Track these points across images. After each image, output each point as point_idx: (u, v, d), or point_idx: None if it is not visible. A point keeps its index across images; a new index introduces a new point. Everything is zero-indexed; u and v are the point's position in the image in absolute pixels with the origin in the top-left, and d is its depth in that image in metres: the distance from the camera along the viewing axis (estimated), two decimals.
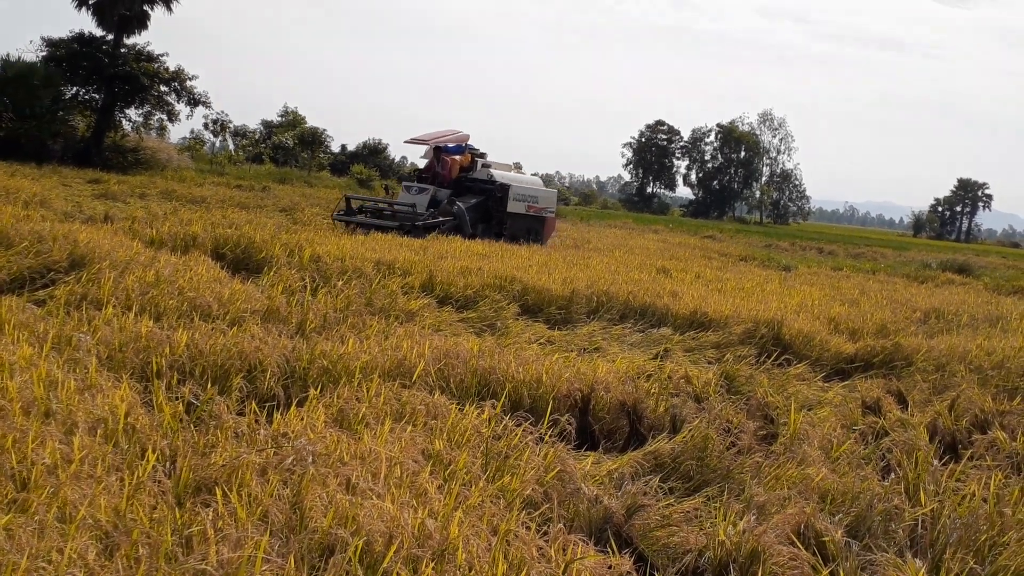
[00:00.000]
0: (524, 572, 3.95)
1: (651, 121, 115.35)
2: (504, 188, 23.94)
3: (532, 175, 28.70)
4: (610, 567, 4.28)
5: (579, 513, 5.08)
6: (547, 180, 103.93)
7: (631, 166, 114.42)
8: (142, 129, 43.06)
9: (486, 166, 24.83)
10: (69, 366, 5.97)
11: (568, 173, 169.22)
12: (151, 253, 12.06)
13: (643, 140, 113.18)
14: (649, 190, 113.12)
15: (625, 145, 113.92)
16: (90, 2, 39.21)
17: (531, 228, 24.70)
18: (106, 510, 3.89)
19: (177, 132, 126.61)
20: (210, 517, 3.87)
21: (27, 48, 48.64)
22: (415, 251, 16.43)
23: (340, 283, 11.81)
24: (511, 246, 21.67)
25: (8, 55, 37.55)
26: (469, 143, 25.88)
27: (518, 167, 26.94)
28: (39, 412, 4.90)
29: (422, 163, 26.73)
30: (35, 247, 11.16)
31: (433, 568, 3.82)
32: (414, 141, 25.91)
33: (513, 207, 24.05)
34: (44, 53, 39.65)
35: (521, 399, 7.36)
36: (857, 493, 5.81)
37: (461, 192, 23.71)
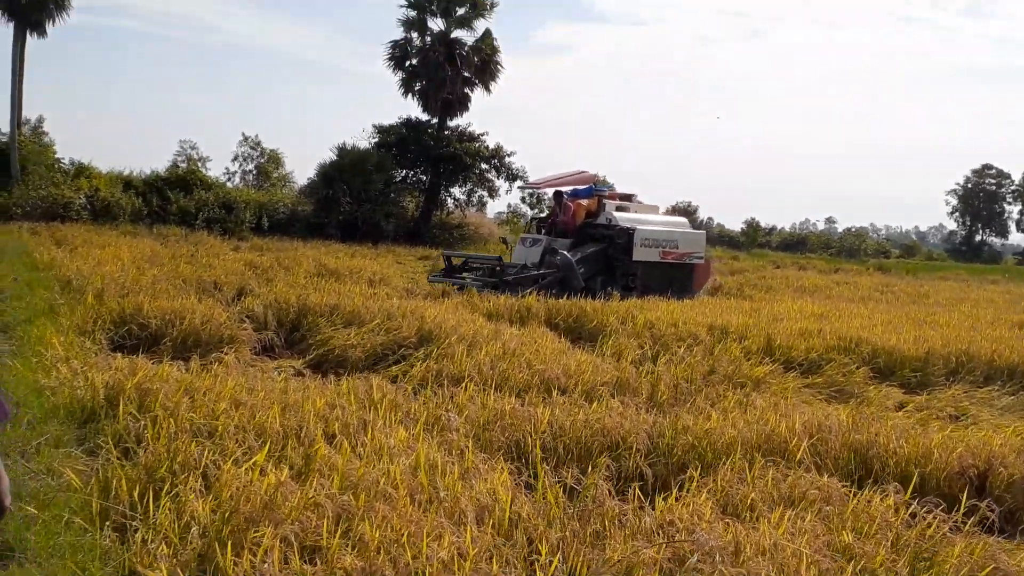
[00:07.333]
0: None
1: (976, 166, 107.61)
2: (626, 233, 20.01)
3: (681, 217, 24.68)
4: None
5: None
6: (859, 233, 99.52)
7: (956, 214, 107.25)
8: (464, 205, 44.88)
9: (622, 209, 21.17)
10: (444, 448, 5.87)
11: (884, 224, 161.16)
12: (493, 326, 12.19)
13: (968, 186, 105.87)
14: (977, 238, 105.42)
15: (949, 192, 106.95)
16: (416, 89, 41.78)
17: (673, 278, 20.58)
18: None
19: (492, 206, 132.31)
20: None
21: (360, 135, 52.27)
22: (746, 314, 15.85)
23: (681, 350, 11.41)
24: (850, 305, 20.47)
25: (344, 143, 40.57)
26: (599, 184, 22.65)
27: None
28: (424, 499, 4.76)
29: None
30: (385, 324, 11.56)
31: None
32: (528, 186, 22.83)
33: (641, 254, 20.05)
34: (376, 139, 42.57)
35: (908, 477, 6.56)
36: None
37: (583, 241, 20.24)
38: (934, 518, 5.25)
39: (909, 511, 5.36)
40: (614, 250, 20.00)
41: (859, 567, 4.45)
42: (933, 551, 4.83)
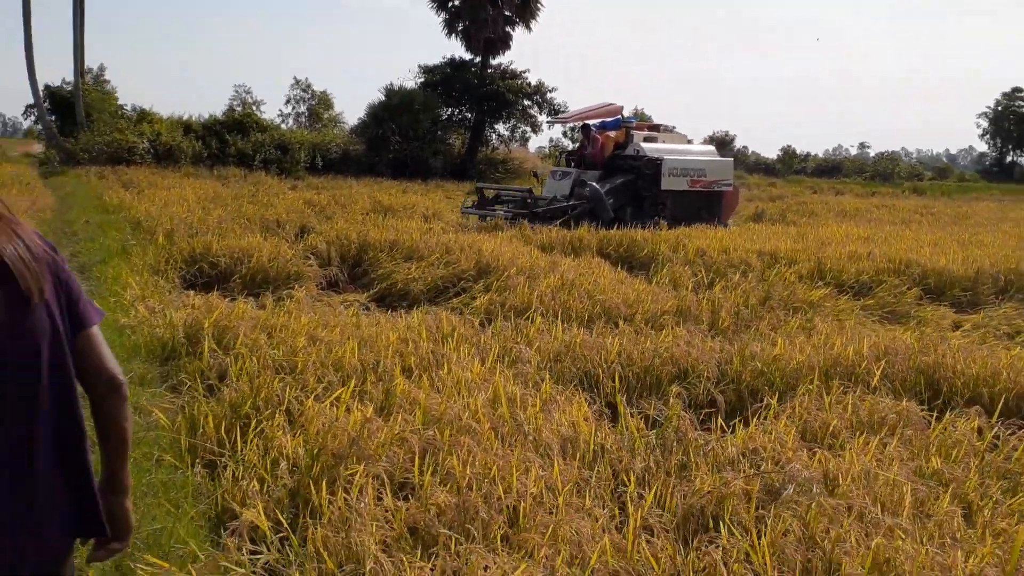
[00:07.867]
0: None
1: (1007, 89, 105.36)
2: (654, 163, 19.81)
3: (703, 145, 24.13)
4: None
5: None
6: (892, 157, 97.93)
7: (987, 136, 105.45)
8: (508, 141, 45.15)
9: (650, 140, 20.83)
10: (519, 380, 5.89)
11: (915, 149, 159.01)
12: (548, 258, 12.20)
13: (999, 109, 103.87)
14: (1008, 159, 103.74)
15: (980, 115, 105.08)
16: (459, 28, 42.04)
17: (702, 206, 20.37)
18: (610, 552, 3.60)
19: (535, 141, 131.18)
20: (720, 557, 3.49)
21: (406, 76, 52.41)
22: (794, 239, 15.80)
23: (736, 276, 11.40)
24: (893, 227, 20.29)
25: (391, 84, 41.07)
26: (628, 115, 22.27)
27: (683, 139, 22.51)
28: (506, 432, 4.78)
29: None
30: (444, 258, 11.61)
31: None
32: (557, 120, 22.12)
33: (669, 183, 19.88)
34: (422, 79, 42.96)
35: (977, 398, 6.49)
36: None
37: (612, 172, 20.13)
38: (1019, 440, 5.21)
39: (992, 433, 5.32)
40: (643, 180, 19.90)
41: (950, 493, 4.41)
42: (1018, 474, 4.79)
